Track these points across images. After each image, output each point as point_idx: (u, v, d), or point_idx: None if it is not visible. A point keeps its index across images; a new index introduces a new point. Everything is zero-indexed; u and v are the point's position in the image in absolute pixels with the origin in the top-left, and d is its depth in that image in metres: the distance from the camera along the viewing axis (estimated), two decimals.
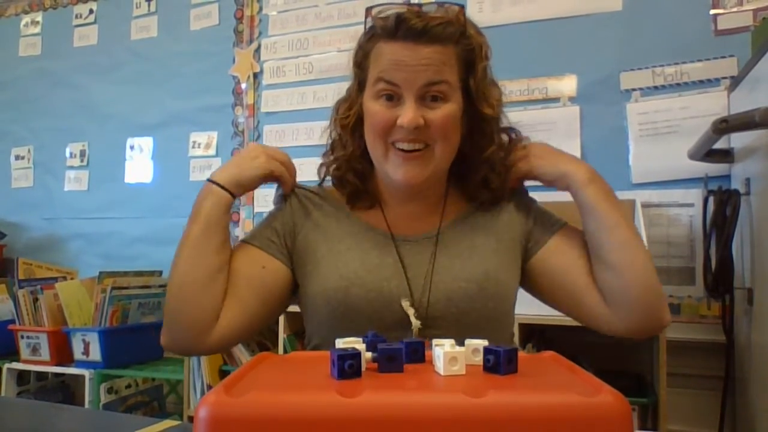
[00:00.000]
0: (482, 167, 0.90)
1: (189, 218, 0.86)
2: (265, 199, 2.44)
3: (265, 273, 0.88)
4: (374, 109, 0.84)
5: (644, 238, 1.62)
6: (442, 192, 0.93)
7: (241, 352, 2.06)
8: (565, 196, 0.91)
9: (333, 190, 0.96)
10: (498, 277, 0.87)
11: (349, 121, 0.90)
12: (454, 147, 0.87)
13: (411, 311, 0.83)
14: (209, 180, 0.87)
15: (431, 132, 0.82)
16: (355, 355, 0.49)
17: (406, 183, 0.84)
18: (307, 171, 2.73)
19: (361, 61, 0.89)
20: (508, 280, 0.89)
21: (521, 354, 0.54)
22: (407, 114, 0.81)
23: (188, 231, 0.85)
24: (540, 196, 0.99)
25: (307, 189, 0.96)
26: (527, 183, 0.96)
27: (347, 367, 0.48)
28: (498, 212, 0.93)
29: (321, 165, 0.96)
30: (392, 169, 0.85)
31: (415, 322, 0.82)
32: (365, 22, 0.88)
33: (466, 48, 0.85)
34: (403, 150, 0.83)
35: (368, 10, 0.86)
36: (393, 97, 0.83)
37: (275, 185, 0.95)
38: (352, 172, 0.91)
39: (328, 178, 0.96)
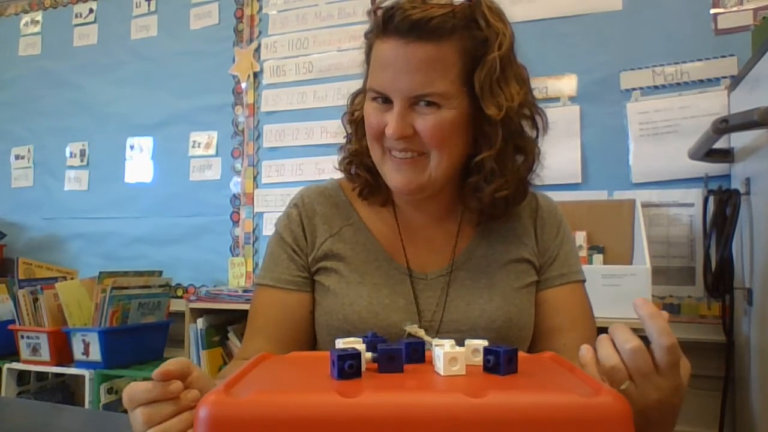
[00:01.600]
0: (473, 172, 0.81)
1: None
2: (265, 199, 2.44)
3: (302, 312, 0.86)
4: (368, 111, 0.80)
5: (644, 239, 1.62)
6: (455, 193, 0.87)
7: None
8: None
9: (347, 186, 0.92)
10: (520, 321, 0.83)
11: (356, 116, 0.87)
12: (453, 154, 0.79)
13: (421, 332, 0.76)
14: None
15: (422, 141, 0.76)
16: (355, 355, 0.49)
17: (402, 190, 0.80)
18: (308, 171, 2.72)
19: (367, 55, 0.84)
20: (528, 322, 0.85)
21: (521, 354, 0.54)
22: (391, 124, 0.75)
23: None
24: None
25: (314, 195, 0.91)
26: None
27: (347, 367, 0.48)
28: (518, 226, 0.88)
29: (340, 159, 0.92)
30: (388, 175, 0.81)
31: (431, 340, 0.78)
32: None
33: (475, 39, 0.76)
34: (396, 156, 0.78)
35: (369, 13, 0.80)
36: (386, 100, 0.77)
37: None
38: (363, 167, 0.87)
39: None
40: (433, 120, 0.75)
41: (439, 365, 0.50)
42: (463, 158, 0.81)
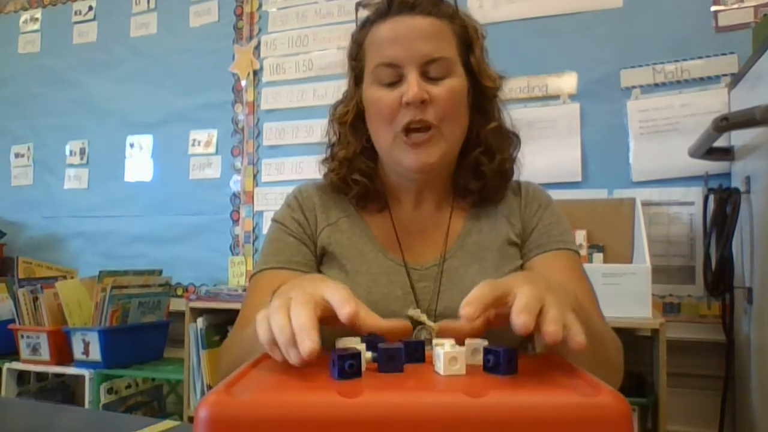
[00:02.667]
0: (475, 148, 0.86)
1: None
2: (265, 197, 2.43)
3: None
4: (376, 95, 0.81)
5: (644, 238, 1.62)
6: (449, 180, 0.90)
7: None
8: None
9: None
10: None
11: (348, 117, 0.88)
12: (463, 126, 0.84)
13: (423, 317, 0.80)
14: None
15: (437, 110, 0.79)
16: (355, 355, 0.49)
17: (419, 167, 0.81)
18: (308, 169, 2.72)
19: (356, 52, 0.87)
20: None
21: (521, 354, 0.54)
22: (411, 88, 0.78)
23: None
24: None
25: (312, 189, 0.92)
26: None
27: (347, 367, 0.48)
28: (505, 208, 0.90)
29: (326, 173, 0.92)
30: (402, 155, 0.81)
31: (432, 324, 0.78)
32: (356, 19, 0.87)
33: (461, 25, 0.84)
34: (412, 135, 0.80)
35: (357, 5, 0.87)
36: (394, 82, 0.80)
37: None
38: (358, 172, 0.87)
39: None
40: (445, 87, 0.80)
41: (439, 365, 0.50)
42: (465, 135, 0.85)
